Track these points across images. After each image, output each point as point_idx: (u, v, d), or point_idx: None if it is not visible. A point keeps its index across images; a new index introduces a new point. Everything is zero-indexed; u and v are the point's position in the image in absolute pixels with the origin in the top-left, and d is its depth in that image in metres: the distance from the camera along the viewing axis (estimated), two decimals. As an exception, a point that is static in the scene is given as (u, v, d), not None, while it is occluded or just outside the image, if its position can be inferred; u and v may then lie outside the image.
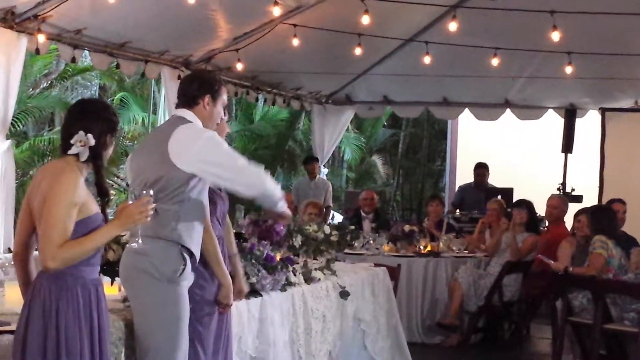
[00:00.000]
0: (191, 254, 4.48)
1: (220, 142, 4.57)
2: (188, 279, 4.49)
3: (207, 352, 4.76)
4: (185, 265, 4.43)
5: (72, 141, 3.77)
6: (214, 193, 4.90)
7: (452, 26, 9.47)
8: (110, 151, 3.93)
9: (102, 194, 3.90)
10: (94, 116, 3.85)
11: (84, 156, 3.77)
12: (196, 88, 4.70)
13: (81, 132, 3.76)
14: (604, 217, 8.30)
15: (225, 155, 4.51)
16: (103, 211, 3.85)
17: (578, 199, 12.24)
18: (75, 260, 3.70)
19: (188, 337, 4.47)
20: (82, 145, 3.75)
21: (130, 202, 3.85)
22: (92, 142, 3.78)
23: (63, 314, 3.69)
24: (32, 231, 3.89)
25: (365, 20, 9.12)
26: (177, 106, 4.75)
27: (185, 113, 4.63)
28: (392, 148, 22.25)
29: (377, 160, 21.38)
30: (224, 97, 4.78)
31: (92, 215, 3.77)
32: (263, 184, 4.58)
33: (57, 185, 3.69)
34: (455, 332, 9.51)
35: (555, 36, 9.37)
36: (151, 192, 3.96)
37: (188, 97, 4.70)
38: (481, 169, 12.91)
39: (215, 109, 4.72)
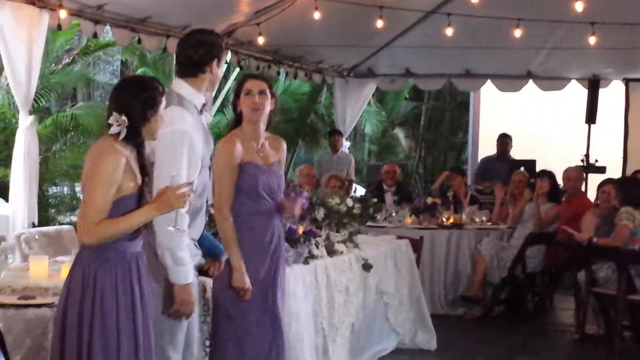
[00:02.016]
0: None
1: (178, 145, 4.17)
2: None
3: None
4: None
5: (109, 121, 3.82)
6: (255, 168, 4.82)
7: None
8: (156, 126, 3.92)
9: (142, 172, 3.90)
10: (130, 95, 3.88)
11: (122, 135, 3.81)
12: (204, 54, 4.35)
13: (115, 113, 3.82)
14: (632, 188, 8.29)
15: (167, 162, 4.10)
16: (142, 189, 3.88)
17: (601, 170, 12.18)
18: (111, 239, 3.79)
19: None
20: (118, 125, 3.80)
21: (168, 186, 3.88)
22: (126, 121, 3.81)
23: (100, 287, 3.77)
24: None
25: None
26: (178, 74, 4.43)
27: (182, 88, 4.35)
28: (414, 121, 22.17)
29: (399, 133, 21.34)
30: (225, 54, 4.54)
31: (129, 195, 3.82)
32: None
33: (95, 166, 3.79)
34: (479, 305, 9.52)
35: (579, 6, 9.30)
36: (193, 177, 4.00)
37: (194, 66, 4.35)
38: (504, 139, 12.91)
39: (219, 71, 4.44)
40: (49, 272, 4.81)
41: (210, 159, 4.50)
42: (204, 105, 4.44)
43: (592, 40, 10.51)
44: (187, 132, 4.18)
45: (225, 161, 4.75)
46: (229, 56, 10.49)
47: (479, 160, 14.82)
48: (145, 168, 3.92)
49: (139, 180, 3.88)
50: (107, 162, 3.76)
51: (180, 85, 4.35)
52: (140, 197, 3.87)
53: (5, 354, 3.86)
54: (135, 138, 3.86)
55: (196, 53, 4.35)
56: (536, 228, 9.45)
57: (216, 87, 4.57)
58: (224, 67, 4.58)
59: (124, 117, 3.81)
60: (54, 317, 3.89)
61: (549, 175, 9.79)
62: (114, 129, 3.81)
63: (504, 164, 12.39)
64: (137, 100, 3.87)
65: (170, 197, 3.83)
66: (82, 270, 3.79)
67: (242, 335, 4.80)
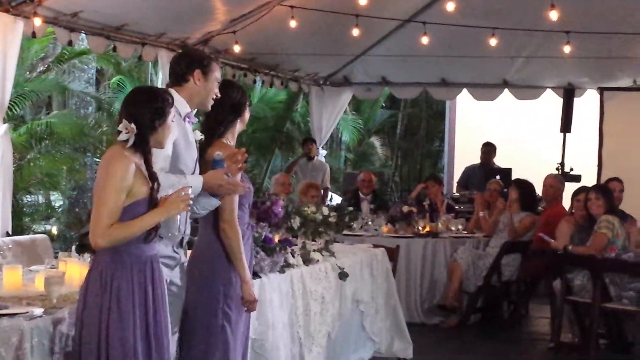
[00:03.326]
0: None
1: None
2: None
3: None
4: None
5: (119, 128, 4.03)
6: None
7: (450, 6, 9.42)
8: (163, 135, 4.14)
9: (151, 178, 4.07)
10: (140, 104, 4.10)
11: (130, 142, 4.01)
12: (185, 65, 4.65)
13: (125, 120, 4.02)
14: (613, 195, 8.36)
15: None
16: (152, 195, 4.05)
17: (576, 178, 12.23)
18: (123, 241, 3.98)
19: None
20: (126, 132, 4.00)
21: (171, 192, 4.12)
22: (135, 129, 4.01)
23: (116, 288, 3.96)
24: None
25: (362, 0, 9.10)
26: (168, 86, 4.70)
27: (172, 94, 4.48)
28: (390, 129, 22.22)
29: (375, 141, 21.36)
30: (216, 74, 4.70)
31: (140, 200, 4.01)
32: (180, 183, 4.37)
33: (106, 171, 3.97)
34: (455, 313, 9.53)
35: (554, 15, 9.33)
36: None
37: (177, 75, 4.66)
38: (487, 148, 12.97)
39: (207, 85, 4.65)
40: (22, 281, 4.78)
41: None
42: (188, 114, 4.63)
43: (567, 49, 10.55)
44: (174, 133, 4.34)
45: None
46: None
47: (454, 168, 14.85)
48: (154, 175, 4.09)
49: (149, 186, 4.04)
50: (117, 167, 3.95)
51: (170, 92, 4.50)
52: (151, 202, 4.04)
53: None
54: (143, 146, 4.05)
55: (179, 64, 4.67)
56: (510, 237, 9.47)
57: (206, 103, 4.60)
58: (216, 85, 4.69)
59: (133, 125, 4.00)
60: (76, 316, 4.01)
61: (517, 183, 9.82)
62: (122, 136, 4.01)
63: (486, 172, 12.42)
64: (147, 109, 4.08)
65: (177, 200, 4.05)
66: (99, 273, 3.97)
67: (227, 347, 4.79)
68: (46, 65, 13.04)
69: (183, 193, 4.09)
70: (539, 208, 10.48)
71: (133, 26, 9.38)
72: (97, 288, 3.95)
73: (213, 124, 4.88)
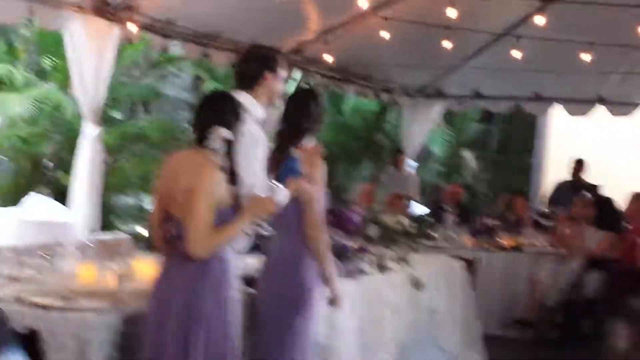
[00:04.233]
0: None
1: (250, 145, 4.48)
2: None
3: None
4: None
5: (210, 136, 4.04)
6: None
7: (540, 20, 9.35)
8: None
9: (234, 182, 4.12)
10: (228, 109, 4.13)
11: (221, 149, 4.05)
12: (255, 67, 4.61)
13: (221, 128, 4.04)
14: None
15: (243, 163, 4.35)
16: (235, 199, 4.11)
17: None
18: (220, 247, 4.06)
19: None
20: (218, 140, 4.04)
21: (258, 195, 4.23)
22: (229, 135, 4.06)
23: (204, 297, 4.07)
24: (167, 213, 4.16)
25: (452, 13, 9.06)
26: (236, 87, 4.65)
27: (241, 97, 4.50)
28: (483, 143, 22.02)
29: (467, 154, 21.20)
30: (283, 73, 4.68)
31: (227, 206, 4.07)
32: None
33: (201, 178, 3.99)
34: (533, 327, 9.44)
35: None
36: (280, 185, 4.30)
37: (247, 78, 4.62)
38: (576, 164, 12.82)
39: (276, 85, 4.64)
40: (97, 277, 4.91)
41: None
42: (264, 120, 4.66)
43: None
44: (255, 134, 4.44)
45: (323, 174, 4.84)
46: (298, 74, 10.61)
47: (543, 183, 14.67)
48: (237, 177, 4.13)
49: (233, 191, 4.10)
50: (213, 174, 3.99)
51: (239, 96, 4.50)
52: (237, 206, 4.10)
53: (39, 356, 3.99)
54: (230, 152, 4.10)
55: (248, 66, 4.61)
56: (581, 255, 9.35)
57: (273, 100, 4.64)
58: (282, 82, 4.68)
59: (224, 130, 4.02)
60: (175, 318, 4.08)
61: (596, 200, 9.71)
62: (213, 143, 4.02)
63: (576, 188, 12.26)
64: (234, 115, 4.11)
65: (267, 202, 4.18)
66: (185, 283, 4.06)
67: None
68: (141, 71, 13.33)
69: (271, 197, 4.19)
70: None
71: (227, 34, 9.53)
72: (211, 300, 4.06)
73: (294, 132, 4.89)
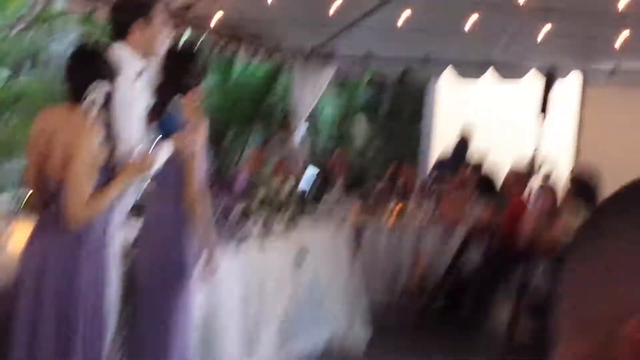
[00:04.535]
0: None
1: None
2: None
3: None
4: None
5: (89, 89, 3.80)
6: None
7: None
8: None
9: (112, 139, 3.93)
10: (102, 62, 3.91)
11: (99, 103, 3.83)
12: (126, 15, 4.33)
13: (96, 82, 3.82)
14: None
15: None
16: (113, 157, 3.91)
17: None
18: (101, 212, 3.84)
19: None
20: (97, 93, 3.82)
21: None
22: (107, 88, 3.84)
23: (80, 264, 3.87)
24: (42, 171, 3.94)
25: None
26: (112, 38, 4.38)
27: (117, 50, 4.26)
28: (374, 109, 22.09)
29: (360, 118, 21.24)
30: (162, 15, 4.39)
31: (102, 166, 3.86)
32: None
33: (81, 142, 3.77)
34: (419, 297, 9.44)
35: None
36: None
37: (120, 27, 4.32)
38: (461, 143, 12.89)
39: (153, 33, 4.34)
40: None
41: None
42: (143, 69, 4.37)
43: (548, 27, 10.38)
44: (131, 87, 4.18)
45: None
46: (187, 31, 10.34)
47: (432, 150, 14.76)
48: (114, 133, 3.92)
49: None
50: (92, 134, 3.76)
51: (116, 47, 4.27)
52: (114, 165, 3.90)
53: None
54: (107, 105, 3.87)
55: (120, 14, 4.36)
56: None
57: (154, 50, 4.39)
58: (162, 30, 4.45)
59: (103, 84, 3.81)
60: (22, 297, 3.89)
61: (476, 167, 9.80)
62: (91, 99, 3.79)
63: (459, 160, 12.32)
64: (108, 68, 3.90)
65: (141, 164, 3.95)
66: (60, 249, 3.84)
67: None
68: (27, 26, 12.84)
69: (146, 157, 3.99)
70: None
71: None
72: (60, 266, 3.85)
73: (173, 89, 4.71)
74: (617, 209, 0.92)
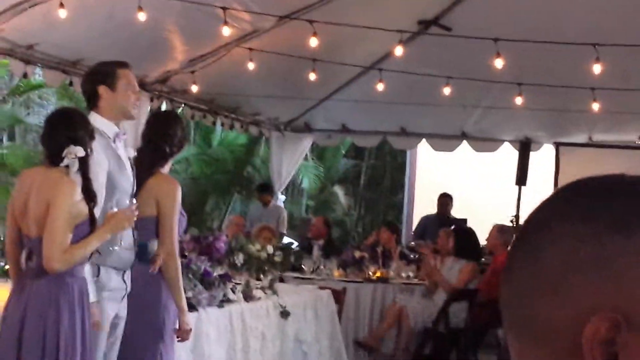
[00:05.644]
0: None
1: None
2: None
3: None
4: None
5: (63, 154, 3.95)
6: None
7: (399, 51, 9.38)
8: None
9: (90, 199, 4.04)
10: (79, 126, 4.04)
11: (75, 167, 3.97)
12: (89, 85, 4.53)
13: (72, 146, 3.95)
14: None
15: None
16: (91, 215, 4.02)
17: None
18: (77, 262, 3.97)
19: None
20: (73, 158, 3.94)
21: (116, 210, 4.16)
22: (82, 153, 3.97)
23: (61, 310, 3.94)
24: (19, 231, 4.10)
25: (314, 42, 8.77)
26: (87, 108, 4.59)
27: (91, 117, 4.43)
28: (353, 179, 22.24)
29: (338, 190, 21.35)
30: (125, 80, 4.53)
31: (86, 220, 4.00)
32: None
33: (58, 194, 3.93)
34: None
35: (499, 63, 9.06)
36: (134, 200, 4.29)
37: (88, 98, 4.53)
38: (444, 199, 13.00)
39: (118, 99, 4.49)
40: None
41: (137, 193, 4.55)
42: (117, 134, 4.51)
43: (519, 100, 10.54)
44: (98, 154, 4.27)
45: (178, 203, 4.75)
46: (164, 105, 10.45)
47: (413, 219, 14.86)
48: (92, 194, 4.04)
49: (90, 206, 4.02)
50: (69, 189, 3.92)
51: (90, 116, 4.43)
52: (92, 222, 4.02)
53: None
54: (85, 169, 4.01)
55: (85, 84, 4.61)
56: (445, 288, 9.45)
57: (126, 113, 4.52)
58: (129, 95, 4.55)
59: (79, 149, 3.93)
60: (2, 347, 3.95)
61: (455, 232, 9.91)
62: (66, 162, 3.94)
63: (442, 222, 12.41)
64: (85, 131, 4.03)
65: (123, 218, 4.08)
66: (41, 298, 3.92)
67: None
68: (2, 97, 12.96)
69: (131, 210, 4.12)
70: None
71: (89, 61, 9.28)
72: (38, 319, 3.90)
73: (155, 154, 4.83)
74: (540, 223, 0.98)
